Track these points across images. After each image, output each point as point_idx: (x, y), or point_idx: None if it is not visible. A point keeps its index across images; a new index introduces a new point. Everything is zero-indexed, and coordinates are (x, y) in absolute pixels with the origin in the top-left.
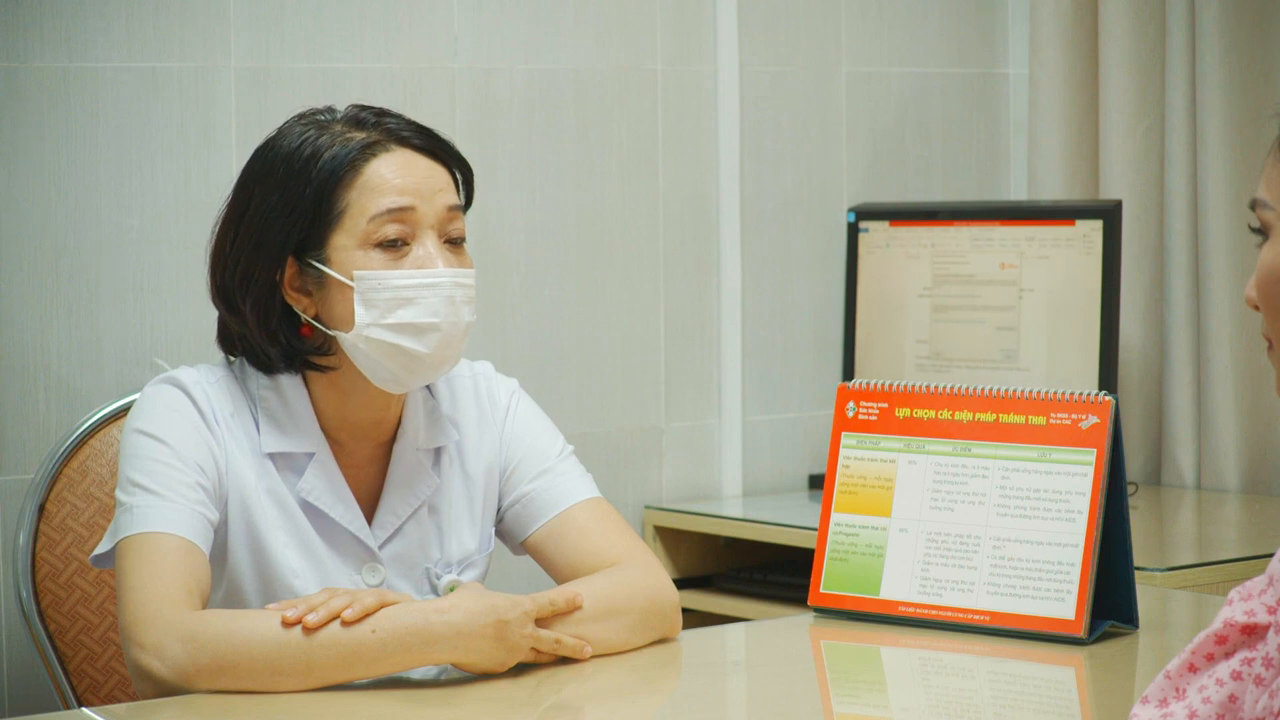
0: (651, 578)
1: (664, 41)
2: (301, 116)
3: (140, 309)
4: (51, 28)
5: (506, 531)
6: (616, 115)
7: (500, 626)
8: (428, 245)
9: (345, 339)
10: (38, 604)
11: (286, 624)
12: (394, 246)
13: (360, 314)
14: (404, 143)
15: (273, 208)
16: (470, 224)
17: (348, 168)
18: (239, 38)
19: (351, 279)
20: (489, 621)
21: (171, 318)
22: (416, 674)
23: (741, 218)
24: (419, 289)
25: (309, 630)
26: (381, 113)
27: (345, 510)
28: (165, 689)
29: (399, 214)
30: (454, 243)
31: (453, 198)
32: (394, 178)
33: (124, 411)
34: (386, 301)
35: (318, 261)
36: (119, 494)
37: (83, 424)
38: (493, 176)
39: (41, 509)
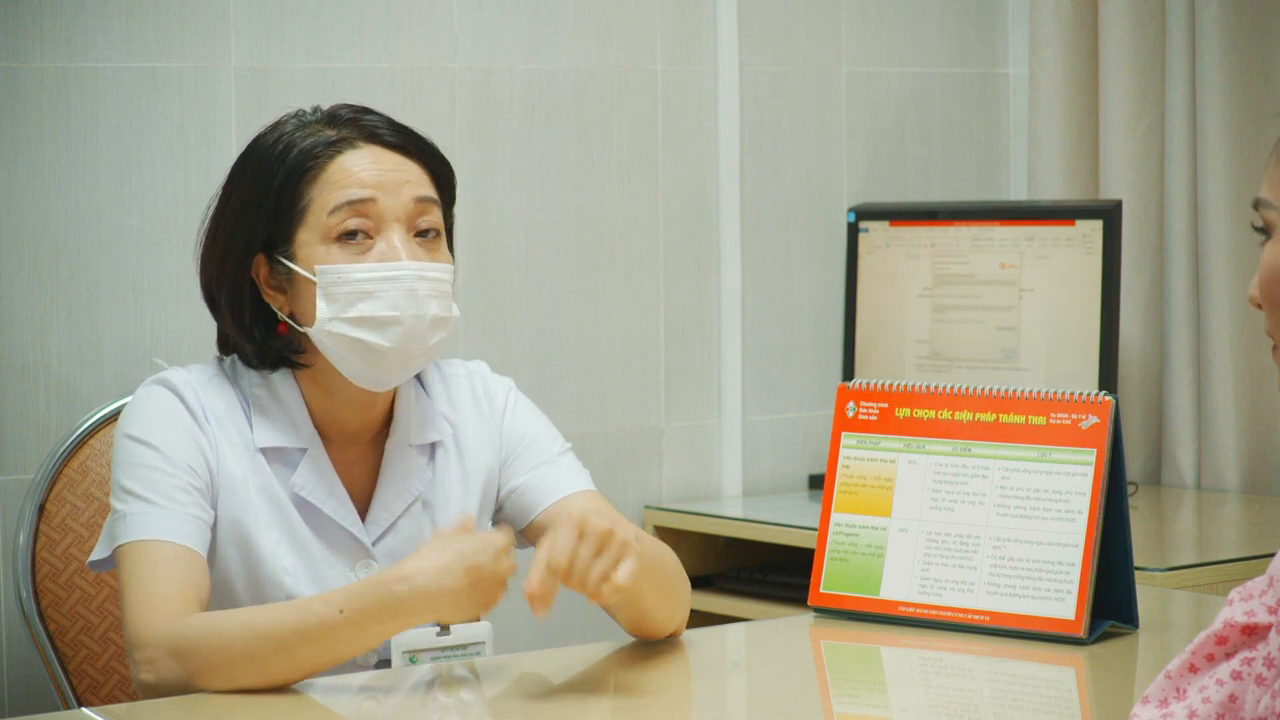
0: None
1: (664, 41)
2: (288, 116)
3: (140, 309)
4: (51, 28)
5: (506, 520)
6: (616, 115)
7: (473, 573)
8: (392, 239)
9: (311, 334)
10: (38, 604)
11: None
12: (355, 240)
13: (322, 308)
14: (374, 139)
15: (245, 203)
16: (470, 224)
17: (311, 162)
18: (239, 38)
19: (314, 273)
20: (459, 572)
21: (171, 318)
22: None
23: (741, 218)
24: (379, 282)
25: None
26: (363, 111)
27: (338, 506)
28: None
29: (359, 206)
30: (426, 236)
31: (422, 190)
32: (357, 171)
33: None
34: (347, 295)
35: (285, 257)
36: (113, 500)
37: (83, 424)
38: (493, 176)
39: (41, 509)
